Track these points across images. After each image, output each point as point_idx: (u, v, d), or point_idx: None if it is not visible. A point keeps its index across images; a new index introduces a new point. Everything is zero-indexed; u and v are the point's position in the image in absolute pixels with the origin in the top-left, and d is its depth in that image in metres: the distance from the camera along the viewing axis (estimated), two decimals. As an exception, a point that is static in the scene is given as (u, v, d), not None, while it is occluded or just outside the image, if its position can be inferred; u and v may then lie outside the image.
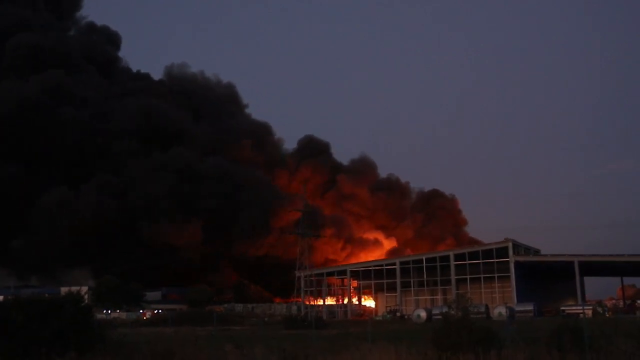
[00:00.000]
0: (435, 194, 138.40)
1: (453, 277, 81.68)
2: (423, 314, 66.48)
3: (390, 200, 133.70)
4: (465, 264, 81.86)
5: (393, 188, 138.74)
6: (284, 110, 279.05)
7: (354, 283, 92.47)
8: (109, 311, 74.25)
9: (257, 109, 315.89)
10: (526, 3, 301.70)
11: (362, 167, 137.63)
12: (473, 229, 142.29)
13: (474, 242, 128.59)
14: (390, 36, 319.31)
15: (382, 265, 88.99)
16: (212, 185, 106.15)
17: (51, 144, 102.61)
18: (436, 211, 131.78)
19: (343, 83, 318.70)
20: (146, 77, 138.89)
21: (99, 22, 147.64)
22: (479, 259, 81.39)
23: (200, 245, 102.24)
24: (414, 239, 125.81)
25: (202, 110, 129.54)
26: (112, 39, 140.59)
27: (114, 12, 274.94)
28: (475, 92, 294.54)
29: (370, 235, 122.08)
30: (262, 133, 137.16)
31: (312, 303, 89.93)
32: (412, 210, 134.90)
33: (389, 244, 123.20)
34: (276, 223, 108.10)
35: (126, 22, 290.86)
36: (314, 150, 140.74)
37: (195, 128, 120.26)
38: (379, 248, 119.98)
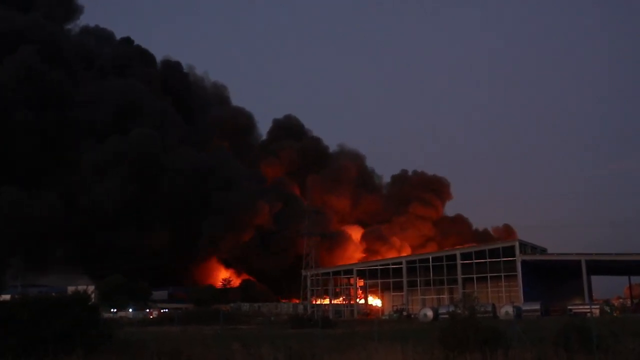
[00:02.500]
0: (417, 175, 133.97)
1: (460, 276, 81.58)
2: (430, 313, 66.44)
3: (371, 207, 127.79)
4: (472, 263, 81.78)
5: (378, 189, 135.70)
6: (281, 109, 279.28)
7: (361, 282, 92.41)
8: (115, 310, 74.23)
9: (249, 105, 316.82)
10: (528, 3, 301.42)
11: (344, 161, 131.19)
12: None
13: (458, 219, 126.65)
14: (391, 35, 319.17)
15: (388, 265, 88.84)
16: (182, 180, 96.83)
17: (5, 144, 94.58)
18: (418, 194, 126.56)
19: (343, 81, 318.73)
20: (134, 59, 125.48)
21: (92, 23, 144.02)
22: (485, 258, 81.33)
23: (171, 249, 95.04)
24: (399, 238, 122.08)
25: (186, 104, 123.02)
26: (108, 40, 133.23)
27: (110, 12, 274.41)
28: (477, 92, 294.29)
29: (352, 232, 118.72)
30: (243, 124, 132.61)
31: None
32: (394, 208, 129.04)
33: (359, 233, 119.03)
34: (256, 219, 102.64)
35: (124, 22, 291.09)
36: (290, 131, 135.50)
37: (175, 118, 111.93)
38: (359, 246, 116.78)
